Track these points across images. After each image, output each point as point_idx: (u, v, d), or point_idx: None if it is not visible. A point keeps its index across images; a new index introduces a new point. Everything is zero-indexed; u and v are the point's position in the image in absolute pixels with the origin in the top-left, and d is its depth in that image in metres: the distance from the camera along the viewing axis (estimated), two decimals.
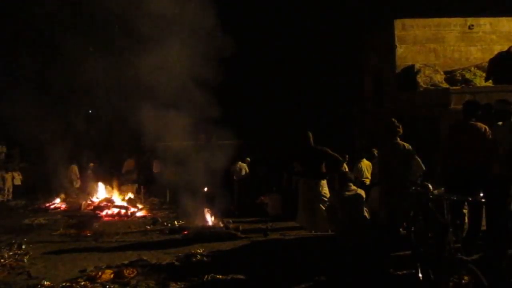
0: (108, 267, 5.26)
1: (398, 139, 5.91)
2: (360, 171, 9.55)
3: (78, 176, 14.25)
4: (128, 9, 8.24)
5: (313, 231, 7.07)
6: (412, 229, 4.46)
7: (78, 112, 12.99)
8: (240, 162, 11.63)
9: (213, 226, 7.75)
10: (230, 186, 11.47)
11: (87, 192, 12.57)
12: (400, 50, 13.33)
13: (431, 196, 4.06)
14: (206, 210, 8.35)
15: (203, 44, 8.09)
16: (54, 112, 11.45)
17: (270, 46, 20.48)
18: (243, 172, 11.61)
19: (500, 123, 5.05)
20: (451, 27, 13.58)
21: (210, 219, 8.14)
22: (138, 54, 8.49)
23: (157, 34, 8.39)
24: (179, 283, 4.61)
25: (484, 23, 13.68)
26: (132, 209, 10.35)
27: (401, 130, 5.94)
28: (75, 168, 14.23)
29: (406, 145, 5.86)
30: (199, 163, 8.44)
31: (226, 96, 8.59)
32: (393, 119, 6.06)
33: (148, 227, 8.27)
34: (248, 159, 12.08)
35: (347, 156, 10.24)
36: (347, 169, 9.13)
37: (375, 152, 9.62)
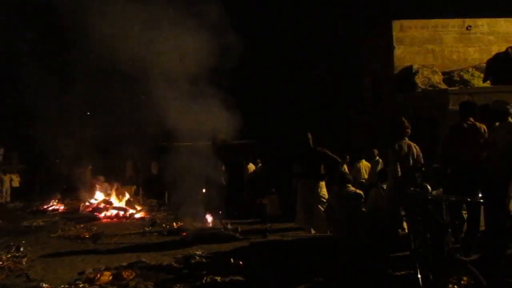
0: (107, 269, 5.24)
1: (406, 139, 5.91)
2: (358, 172, 9.57)
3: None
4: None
5: (312, 232, 7.07)
6: (411, 230, 4.46)
7: (78, 113, 12.95)
8: (251, 163, 11.83)
9: (212, 228, 7.74)
10: (236, 186, 11.53)
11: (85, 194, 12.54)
12: (398, 51, 13.35)
13: (429, 197, 4.06)
14: (204, 211, 8.34)
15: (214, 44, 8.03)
16: (53, 113, 11.42)
17: (270, 46, 20.52)
18: (249, 172, 11.82)
19: (497, 123, 5.05)
20: (449, 28, 13.61)
21: (208, 220, 8.13)
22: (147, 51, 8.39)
23: (167, 32, 8.34)
24: (178, 285, 4.59)
25: (482, 24, 13.71)
26: (131, 211, 10.34)
27: (409, 131, 5.92)
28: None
29: (413, 145, 5.86)
30: (202, 163, 8.40)
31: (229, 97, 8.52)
32: (403, 119, 6.00)
33: (147, 229, 8.24)
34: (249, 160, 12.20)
35: (348, 157, 10.26)
36: (347, 170, 9.14)
37: (376, 152, 9.63)
